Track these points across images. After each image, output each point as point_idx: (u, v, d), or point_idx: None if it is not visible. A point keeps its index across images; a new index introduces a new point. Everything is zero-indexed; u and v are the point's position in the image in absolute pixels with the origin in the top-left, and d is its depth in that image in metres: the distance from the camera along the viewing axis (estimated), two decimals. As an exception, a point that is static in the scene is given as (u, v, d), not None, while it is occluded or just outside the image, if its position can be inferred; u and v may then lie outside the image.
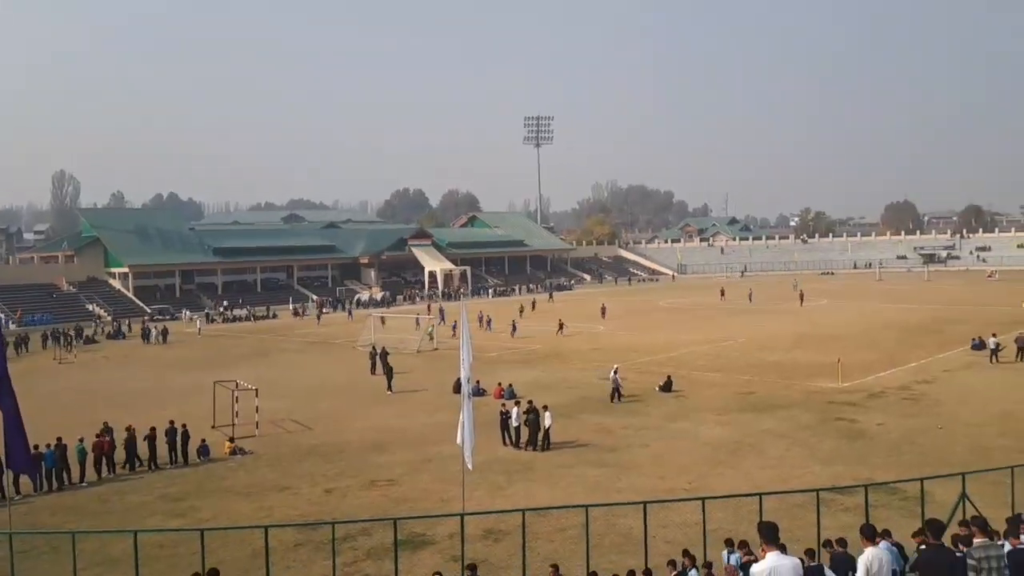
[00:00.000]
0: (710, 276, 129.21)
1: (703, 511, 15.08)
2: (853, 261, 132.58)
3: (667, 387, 32.99)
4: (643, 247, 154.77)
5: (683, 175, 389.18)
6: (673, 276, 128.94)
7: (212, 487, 21.56)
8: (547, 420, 24.50)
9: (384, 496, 20.47)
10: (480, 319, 56.03)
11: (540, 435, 24.87)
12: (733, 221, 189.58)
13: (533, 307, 70.91)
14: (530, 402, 25.58)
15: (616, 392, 31.05)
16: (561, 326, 52.69)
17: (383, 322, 58.23)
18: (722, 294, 78.59)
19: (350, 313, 75.68)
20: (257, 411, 27.92)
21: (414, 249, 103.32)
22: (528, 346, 48.70)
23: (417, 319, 56.54)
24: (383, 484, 21.49)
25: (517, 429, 24.69)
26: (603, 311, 62.69)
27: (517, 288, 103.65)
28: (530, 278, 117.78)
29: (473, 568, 13.35)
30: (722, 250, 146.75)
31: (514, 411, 24.83)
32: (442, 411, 30.49)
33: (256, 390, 28.40)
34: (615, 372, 32.00)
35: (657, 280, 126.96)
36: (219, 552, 16.51)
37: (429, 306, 65.08)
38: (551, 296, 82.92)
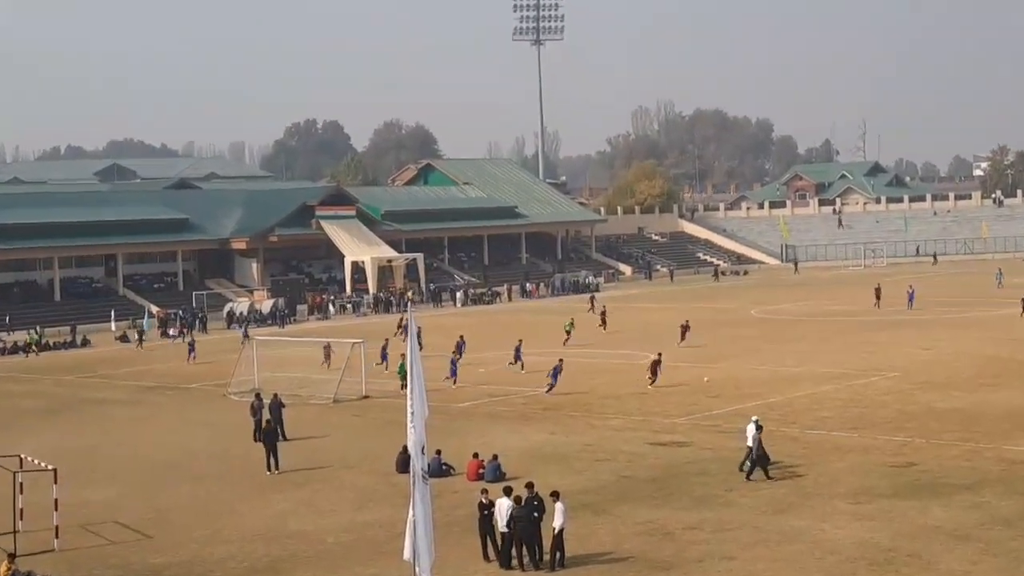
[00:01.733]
0: (837, 264, 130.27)
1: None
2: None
3: (765, 456, 33.07)
4: (721, 216, 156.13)
5: (788, 95, 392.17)
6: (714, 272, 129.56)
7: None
8: (558, 518, 24.52)
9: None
10: (459, 348, 55.90)
11: (546, 544, 24.83)
12: (876, 170, 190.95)
13: (603, 320, 71.16)
14: (529, 487, 25.62)
15: (756, 459, 31.31)
16: (655, 371, 47.80)
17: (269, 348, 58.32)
18: (877, 296, 78.91)
19: (244, 332, 75.74)
20: (57, 508, 27.82)
21: (326, 224, 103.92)
22: (528, 387, 49.00)
23: (328, 348, 56.50)
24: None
25: (507, 534, 24.72)
26: (684, 331, 62.30)
27: (505, 290, 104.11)
28: (527, 270, 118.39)
29: None
30: (840, 222, 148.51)
31: (501, 504, 24.86)
32: (378, 504, 30.51)
33: (55, 472, 28.32)
34: (756, 426, 32.17)
35: (745, 273, 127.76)
36: None
37: (391, 343, 62.37)
38: (593, 303, 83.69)
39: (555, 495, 25.15)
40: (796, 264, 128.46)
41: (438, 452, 33.44)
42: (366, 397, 48.18)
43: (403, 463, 30.86)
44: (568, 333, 63.26)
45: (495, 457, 33.00)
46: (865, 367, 51.25)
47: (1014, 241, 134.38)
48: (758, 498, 29.62)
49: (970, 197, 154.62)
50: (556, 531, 24.39)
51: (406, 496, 19.05)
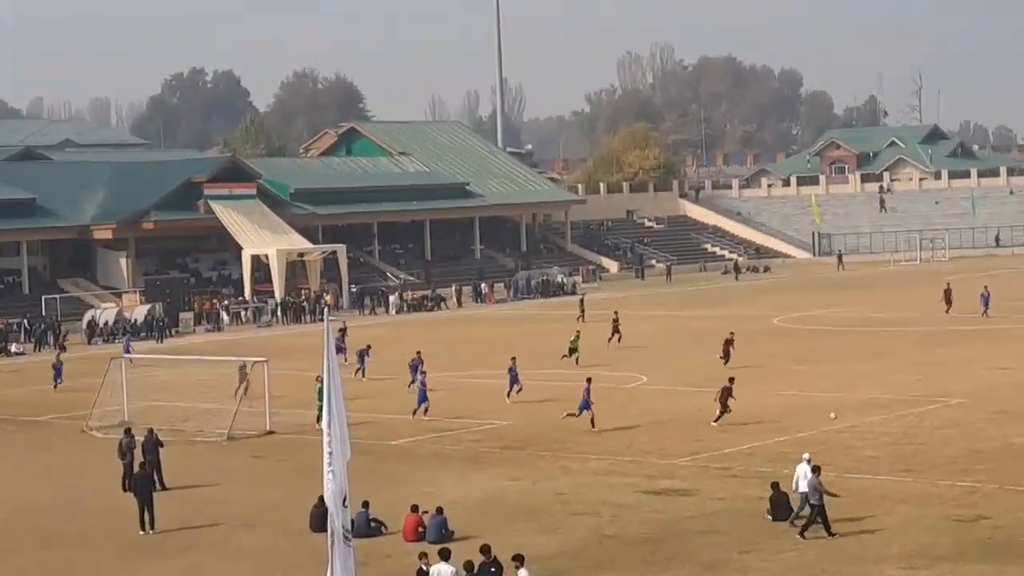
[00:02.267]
0: (884, 259, 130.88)
1: None
2: None
3: (784, 507, 33.14)
4: (735, 196, 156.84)
5: (821, 39, 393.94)
6: (840, 257, 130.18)
7: None
8: None
9: None
10: (415, 368, 55.24)
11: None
12: (935, 136, 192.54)
13: (615, 328, 71.13)
14: (485, 551, 25.61)
15: (818, 510, 31.65)
16: (726, 401, 46.70)
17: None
18: (948, 299, 79.52)
19: (126, 346, 75.47)
20: None
21: (218, 207, 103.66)
22: (482, 420, 49.09)
23: (244, 369, 56.09)
24: None
25: None
26: (729, 346, 61.23)
27: (453, 293, 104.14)
28: (482, 267, 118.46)
29: None
30: (882, 204, 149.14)
31: (441, 571, 24.78)
32: (287, 573, 30.40)
33: None
34: (810, 466, 32.55)
35: (766, 270, 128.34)
36: None
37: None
38: (583, 309, 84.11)
39: (518, 560, 25.17)
40: (840, 258, 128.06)
41: (365, 505, 33.29)
42: (271, 433, 47.88)
43: (319, 519, 30.76)
44: (574, 353, 62.26)
45: (440, 511, 32.84)
46: (922, 392, 51.55)
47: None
48: (783, 563, 29.62)
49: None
50: None
51: (323, 562, 19.05)
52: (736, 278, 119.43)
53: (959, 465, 38.48)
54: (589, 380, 46.86)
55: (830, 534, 31.41)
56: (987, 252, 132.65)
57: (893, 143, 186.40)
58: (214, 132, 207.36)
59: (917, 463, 39.17)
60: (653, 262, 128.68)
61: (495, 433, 46.86)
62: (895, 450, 41.27)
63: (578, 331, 64.83)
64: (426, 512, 32.72)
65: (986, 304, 76.49)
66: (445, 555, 25.26)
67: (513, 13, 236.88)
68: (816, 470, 32.22)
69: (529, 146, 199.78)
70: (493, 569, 24.99)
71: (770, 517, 33.13)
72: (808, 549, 30.60)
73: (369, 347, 62.16)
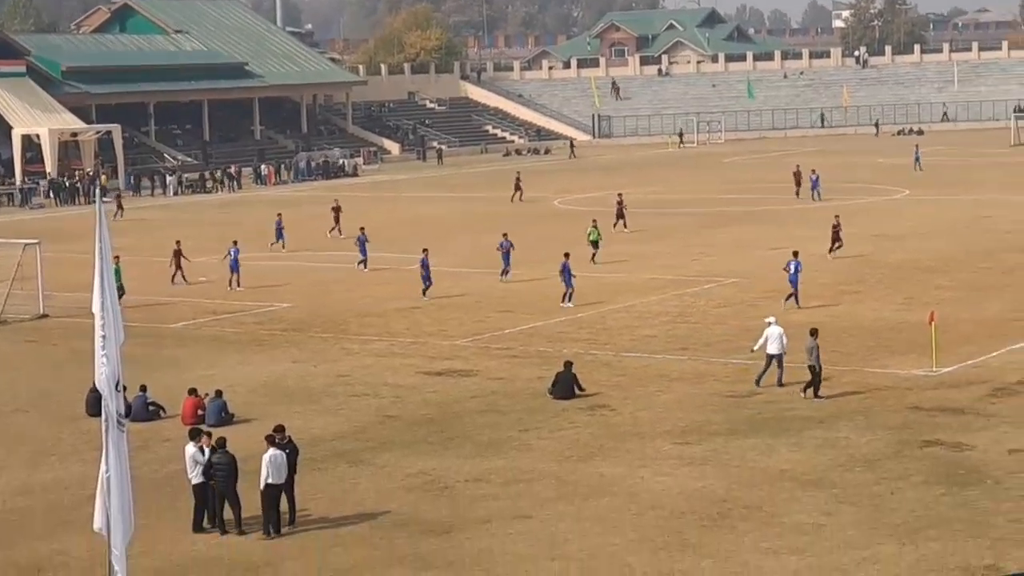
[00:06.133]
0: (661, 142, 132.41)
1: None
2: (962, 106, 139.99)
3: (566, 388, 33.86)
4: (516, 78, 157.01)
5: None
6: (572, 144, 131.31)
7: None
8: (274, 466, 24.47)
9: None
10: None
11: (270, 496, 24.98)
12: (712, 20, 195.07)
13: (620, 213, 66.40)
14: (279, 431, 25.48)
15: (813, 371, 32.79)
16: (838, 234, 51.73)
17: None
18: (797, 180, 78.48)
19: None
20: None
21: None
22: (263, 302, 48.83)
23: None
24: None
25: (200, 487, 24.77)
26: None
27: (232, 173, 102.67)
28: (262, 148, 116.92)
29: None
30: (616, 91, 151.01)
31: (275, 456, 24.48)
32: (62, 458, 30.06)
33: None
34: (779, 328, 33.91)
35: (549, 152, 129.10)
36: None
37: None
38: (519, 185, 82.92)
39: (279, 441, 25.02)
40: (683, 137, 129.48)
41: (143, 389, 32.98)
42: (44, 316, 47.00)
43: (94, 403, 30.30)
44: (595, 246, 56.22)
45: (219, 394, 32.72)
46: (697, 272, 52.74)
47: (880, 110, 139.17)
48: (562, 440, 30.16)
49: (828, 55, 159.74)
50: (268, 482, 24.49)
51: (99, 447, 18.72)
52: (484, 152, 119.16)
53: (732, 343, 39.42)
54: (567, 255, 46.73)
55: (817, 396, 32.56)
56: (761, 135, 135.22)
57: (672, 26, 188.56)
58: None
59: (692, 342, 40.06)
60: (435, 144, 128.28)
61: (276, 316, 46.59)
62: (671, 329, 42.11)
63: (594, 220, 58.36)
64: (206, 395, 32.48)
65: (815, 186, 75.99)
66: (222, 443, 25.07)
67: None
68: (814, 333, 32.99)
69: (309, 26, 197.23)
70: (288, 449, 24.95)
71: (551, 395, 33.61)
72: (586, 426, 31.15)
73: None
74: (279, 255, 60.87)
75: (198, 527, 24.80)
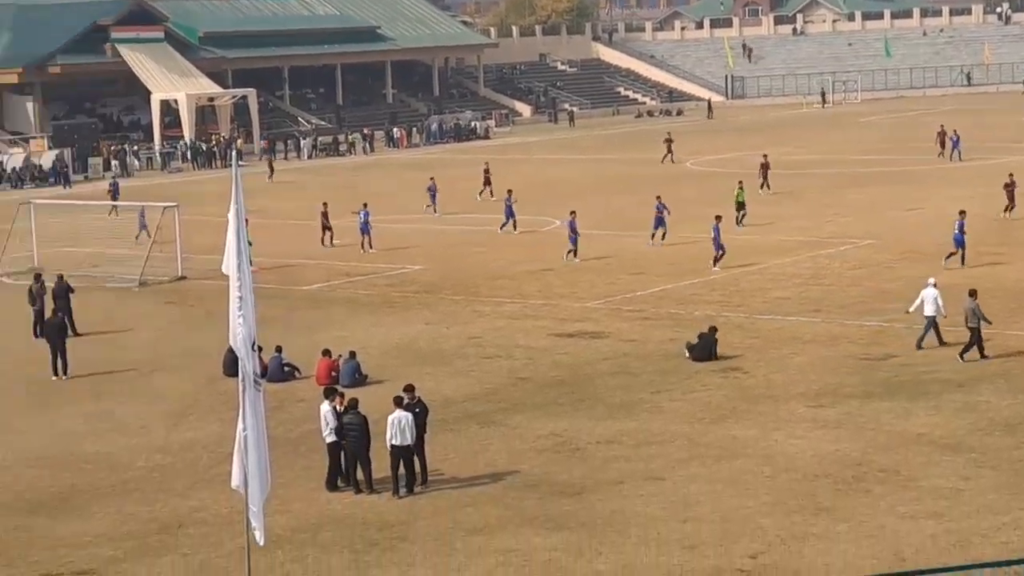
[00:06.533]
0: (795, 102, 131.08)
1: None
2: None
3: (706, 349, 33.81)
4: (648, 39, 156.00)
5: None
6: (711, 105, 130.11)
7: None
8: (398, 428, 24.57)
9: (72, 611, 20.66)
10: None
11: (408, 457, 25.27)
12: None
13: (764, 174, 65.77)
14: (409, 390, 25.65)
15: (973, 333, 32.31)
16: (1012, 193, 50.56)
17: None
18: (941, 142, 76.92)
19: (65, 181, 74.46)
20: None
21: (125, 50, 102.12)
22: (395, 265, 49.15)
23: (142, 214, 55.81)
24: (68, 585, 21.94)
25: (335, 446, 25.16)
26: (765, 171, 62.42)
27: (365, 136, 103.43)
28: (395, 111, 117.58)
29: None
30: (748, 54, 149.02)
31: (401, 417, 24.62)
32: (200, 417, 30.55)
33: None
34: (937, 290, 33.62)
35: (682, 113, 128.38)
36: None
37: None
38: (671, 147, 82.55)
39: (408, 401, 25.24)
40: (740, 98, 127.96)
41: (278, 350, 33.42)
42: (182, 278, 47.74)
43: (231, 364, 30.76)
44: (741, 208, 55.13)
45: (352, 355, 33.05)
46: (832, 234, 52.16)
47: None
48: (694, 402, 30.09)
49: (969, 12, 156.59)
50: (397, 443, 24.70)
51: (236, 407, 19.03)
52: (616, 114, 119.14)
53: (867, 305, 39.02)
54: (718, 218, 46.43)
55: (983, 356, 32.29)
56: (899, 94, 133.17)
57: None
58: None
59: (826, 304, 39.68)
60: (566, 106, 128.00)
61: (408, 278, 46.90)
62: (805, 291, 41.74)
63: (740, 182, 57.43)
64: (339, 356, 32.82)
65: (956, 146, 75.09)
66: (354, 404, 25.32)
67: None
68: (972, 294, 32.80)
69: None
70: (418, 409, 25.18)
71: (688, 354, 33.58)
72: (718, 389, 31.05)
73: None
74: (424, 218, 61.19)
75: (332, 486, 25.14)
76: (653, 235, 50.85)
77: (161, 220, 49.93)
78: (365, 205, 52.93)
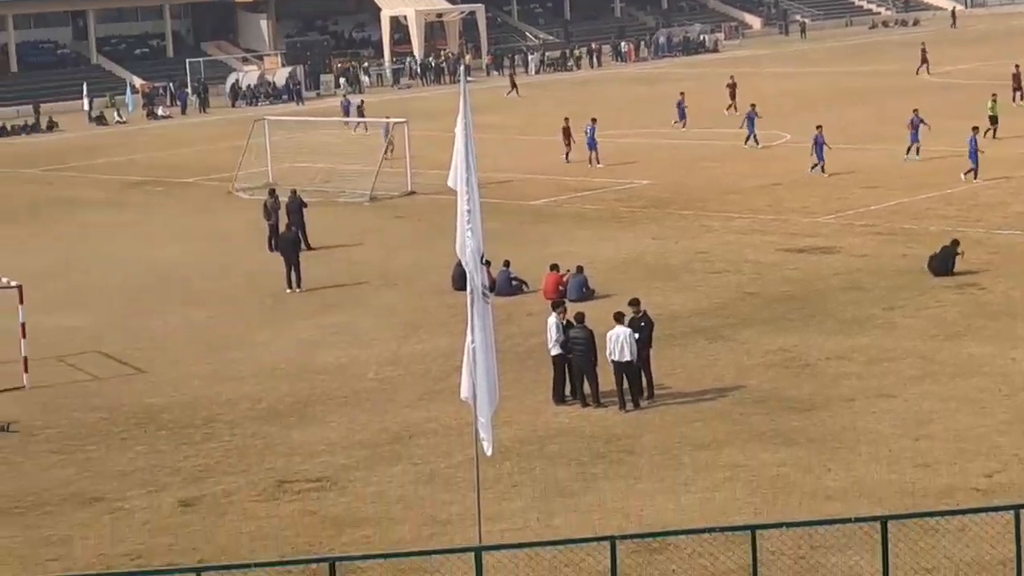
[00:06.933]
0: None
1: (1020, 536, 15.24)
2: None
3: (945, 262, 33.08)
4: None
5: None
6: (954, 13, 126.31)
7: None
8: (617, 344, 24.56)
9: (307, 512, 21.09)
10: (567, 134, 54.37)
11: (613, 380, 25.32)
12: None
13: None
14: (634, 304, 25.68)
15: None
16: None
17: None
18: None
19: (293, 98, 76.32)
20: (24, 335, 28.43)
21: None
22: (620, 180, 49.03)
23: (387, 130, 56.46)
24: (304, 487, 22.17)
25: (560, 359, 25.32)
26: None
27: (592, 51, 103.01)
28: (622, 24, 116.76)
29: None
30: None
31: (619, 332, 24.68)
32: (429, 330, 31.02)
33: (20, 290, 28.95)
34: None
35: (918, 23, 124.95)
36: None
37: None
38: (926, 58, 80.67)
39: (620, 317, 25.23)
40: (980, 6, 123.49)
41: (506, 264, 33.69)
42: (412, 193, 48.41)
43: (460, 278, 30.94)
44: (994, 122, 53.13)
45: (580, 269, 33.15)
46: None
47: None
48: (926, 319, 29.61)
49: None
50: (622, 362, 24.70)
51: (465, 320, 19.23)
52: (848, 26, 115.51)
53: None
54: (975, 129, 45.77)
55: None
56: None
57: None
58: None
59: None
60: (797, 17, 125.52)
61: (636, 193, 46.82)
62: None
63: (994, 94, 55.94)
64: (567, 271, 32.94)
65: None
66: (580, 319, 25.40)
67: None
68: None
69: None
70: (643, 323, 25.23)
71: (928, 266, 33.01)
72: (954, 305, 30.48)
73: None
74: (652, 133, 60.89)
75: (558, 399, 25.33)
76: (909, 149, 49.58)
77: (391, 136, 50.65)
78: (593, 120, 52.85)
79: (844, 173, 47.38)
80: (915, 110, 50.24)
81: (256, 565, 17.41)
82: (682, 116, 61.83)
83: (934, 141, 49.62)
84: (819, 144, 47.14)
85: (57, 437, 25.24)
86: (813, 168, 47.09)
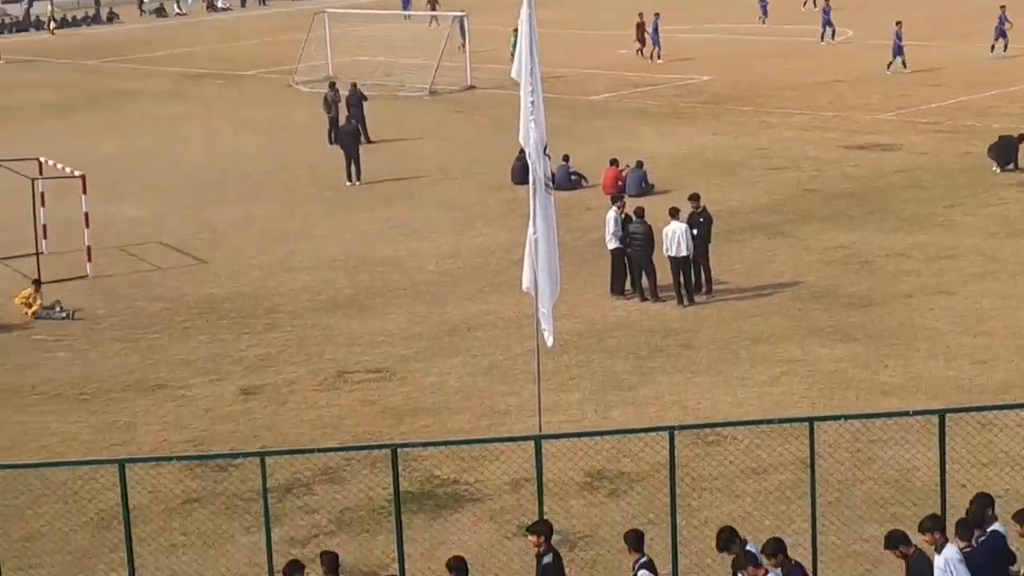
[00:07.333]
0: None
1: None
2: None
3: (1005, 153, 32.81)
4: None
5: None
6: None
7: (-1, 389, 22.67)
8: (672, 240, 24.51)
9: (367, 402, 21.34)
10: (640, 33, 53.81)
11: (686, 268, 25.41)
12: None
13: None
14: (694, 199, 25.64)
15: None
16: None
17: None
18: None
19: None
20: (87, 225, 28.79)
21: None
22: (683, 75, 48.76)
23: (463, 24, 55.80)
24: (364, 377, 22.38)
25: (618, 252, 25.30)
26: None
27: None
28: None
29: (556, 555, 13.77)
30: None
31: (675, 229, 24.57)
32: (489, 223, 31.19)
33: (83, 180, 29.14)
34: None
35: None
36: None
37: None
38: None
39: (675, 212, 25.17)
40: None
41: (566, 158, 33.68)
42: (471, 88, 48.32)
43: (520, 171, 31.11)
44: None
45: (639, 164, 33.11)
46: None
47: None
48: (987, 216, 29.49)
49: None
50: (678, 258, 24.70)
51: (524, 214, 19.29)
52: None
53: None
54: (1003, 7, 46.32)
55: None
56: None
57: None
58: None
59: None
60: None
61: (696, 89, 46.57)
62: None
63: None
64: (626, 166, 32.89)
65: None
66: (640, 213, 25.37)
67: None
68: None
69: None
70: (702, 219, 25.22)
71: (988, 154, 32.97)
72: (1015, 203, 30.34)
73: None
74: (716, 28, 60.37)
75: (617, 291, 25.41)
76: (993, 46, 49.03)
77: (451, 30, 50.46)
78: (657, 15, 52.42)
79: (910, 69, 46.83)
80: (1002, 7, 49.36)
81: (319, 450, 17.74)
82: (764, 12, 61.28)
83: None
84: (898, 40, 46.65)
85: (120, 325, 25.61)
86: (889, 65, 46.58)
